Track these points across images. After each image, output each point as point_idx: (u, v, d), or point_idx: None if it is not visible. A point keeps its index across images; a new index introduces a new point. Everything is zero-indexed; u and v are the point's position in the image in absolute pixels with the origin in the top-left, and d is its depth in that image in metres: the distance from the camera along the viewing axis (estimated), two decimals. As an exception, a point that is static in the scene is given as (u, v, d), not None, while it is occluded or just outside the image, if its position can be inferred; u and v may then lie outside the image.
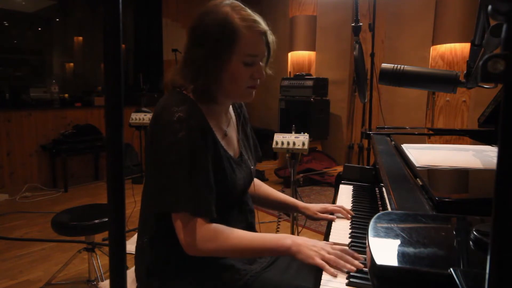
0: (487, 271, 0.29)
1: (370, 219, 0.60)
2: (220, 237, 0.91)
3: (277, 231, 2.56)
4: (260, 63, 1.00)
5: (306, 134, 1.83)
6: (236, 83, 0.98)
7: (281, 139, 1.83)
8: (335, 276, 0.82)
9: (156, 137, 0.93)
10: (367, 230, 0.57)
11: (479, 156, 1.02)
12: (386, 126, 1.80)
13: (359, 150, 4.27)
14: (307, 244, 0.91)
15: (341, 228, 1.10)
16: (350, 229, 1.08)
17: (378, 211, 0.95)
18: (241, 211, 1.10)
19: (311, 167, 4.38)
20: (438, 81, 0.92)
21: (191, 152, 0.90)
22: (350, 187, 1.45)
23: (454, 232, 0.60)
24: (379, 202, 1.22)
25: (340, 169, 2.64)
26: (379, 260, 0.48)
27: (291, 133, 1.86)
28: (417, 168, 0.92)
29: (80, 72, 5.25)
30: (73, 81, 5.14)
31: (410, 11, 4.32)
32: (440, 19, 3.40)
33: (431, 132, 1.79)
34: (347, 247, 0.91)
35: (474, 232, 0.52)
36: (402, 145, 1.21)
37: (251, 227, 1.13)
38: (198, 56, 0.95)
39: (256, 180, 1.30)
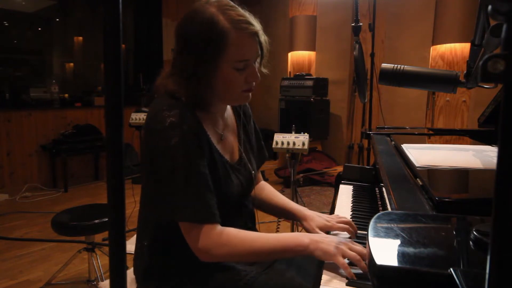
0: (487, 271, 0.29)
1: (370, 219, 0.60)
2: (234, 240, 0.88)
3: (277, 231, 2.56)
4: (255, 63, 0.96)
5: (306, 134, 1.83)
6: (230, 88, 0.94)
7: (281, 139, 1.83)
8: (353, 276, 0.79)
9: (150, 144, 0.91)
10: (367, 230, 0.56)
11: (479, 156, 1.02)
12: (386, 126, 1.80)
13: (359, 150, 4.27)
14: (325, 240, 0.86)
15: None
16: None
17: (378, 211, 0.95)
18: (240, 215, 1.08)
19: (311, 167, 4.38)
20: (438, 81, 0.92)
21: (187, 157, 0.87)
22: (350, 187, 1.45)
23: (454, 232, 0.60)
24: (379, 202, 1.22)
25: (340, 169, 2.64)
26: (379, 260, 0.48)
27: (291, 133, 1.86)
28: (417, 168, 0.92)
29: (80, 72, 5.25)
30: (73, 81, 5.14)
31: (410, 11, 4.32)
32: (440, 19, 3.40)
33: (431, 132, 1.79)
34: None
35: (474, 232, 0.52)
36: (402, 145, 1.21)
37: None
38: (188, 63, 0.91)
39: (262, 183, 1.25)
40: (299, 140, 1.81)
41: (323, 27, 4.98)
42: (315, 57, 5.06)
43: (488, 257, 0.29)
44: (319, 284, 0.79)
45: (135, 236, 1.12)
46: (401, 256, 0.50)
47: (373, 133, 1.58)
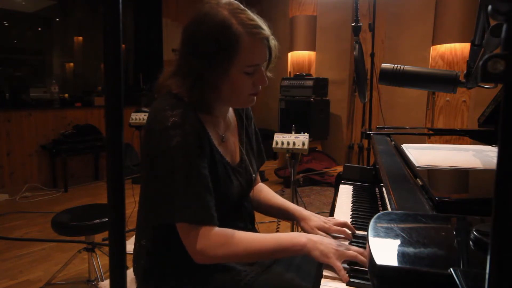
0: (487, 271, 0.29)
1: (370, 219, 0.60)
2: (231, 241, 0.88)
3: (277, 231, 2.56)
4: (263, 67, 0.95)
5: (306, 134, 1.83)
6: (237, 92, 0.94)
7: (281, 139, 1.83)
8: (347, 280, 0.78)
9: (151, 143, 0.90)
10: (367, 230, 0.56)
11: (479, 156, 1.02)
12: (386, 126, 1.80)
13: (359, 150, 4.27)
14: (323, 241, 0.86)
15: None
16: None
17: (378, 211, 0.95)
18: (239, 217, 1.08)
19: (311, 167, 4.38)
20: (438, 81, 0.92)
21: (187, 158, 0.86)
22: (350, 187, 1.45)
23: (454, 232, 0.60)
24: (379, 202, 1.22)
25: (340, 169, 2.64)
26: (379, 260, 0.48)
27: (291, 133, 1.86)
28: (417, 168, 0.92)
29: (80, 72, 5.25)
30: (73, 81, 5.14)
31: (410, 11, 4.32)
32: (440, 19, 3.40)
33: (431, 132, 1.79)
34: (363, 249, 0.86)
35: (474, 232, 0.52)
36: (402, 145, 1.21)
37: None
38: (195, 66, 0.90)
39: (260, 185, 1.25)
40: (299, 140, 1.81)
41: (323, 27, 4.98)
42: (315, 57, 5.06)
43: (488, 257, 0.29)
44: (319, 284, 0.79)
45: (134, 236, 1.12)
46: (401, 256, 0.50)
47: (373, 133, 1.58)
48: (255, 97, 0.98)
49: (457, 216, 0.66)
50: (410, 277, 0.47)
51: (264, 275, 0.99)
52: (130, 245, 1.30)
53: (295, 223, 1.19)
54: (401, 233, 0.55)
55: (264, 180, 4.46)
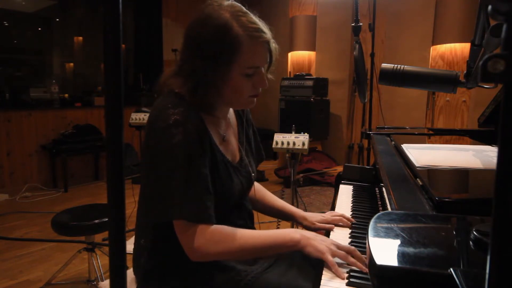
0: (487, 271, 0.29)
1: (370, 219, 0.60)
2: (227, 238, 0.89)
3: (277, 231, 2.55)
4: (263, 69, 0.97)
5: (306, 134, 1.83)
6: (237, 93, 0.95)
7: (281, 139, 1.83)
8: (342, 278, 0.80)
9: (152, 141, 0.90)
10: (367, 230, 0.57)
11: (479, 156, 1.03)
12: (386, 126, 1.80)
13: (359, 150, 4.27)
14: (316, 238, 0.89)
15: (341, 234, 1.09)
16: (350, 229, 1.08)
17: (378, 211, 0.95)
18: (239, 215, 1.08)
19: (311, 167, 4.38)
20: (438, 81, 0.92)
21: (188, 157, 0.87)
22: (350, 187, 1.45)
23: (454, 232, 0.60)
24: (379, 202, 1.22)
25: (340, 169, 2.64)
26: (379, 260, 0.48)
27: (291, 133, 1.86)
28: (417, 168, 0.92)
29: (80, 72, 5.25)
30: (73, 81, 5.14)
31: (410, 11, 4.32)
32: (440, 19, 3.40)
33: (431, 132, 1.79)
34: (355, 248, 0.88)
35: (474, 232, 0.52)
36: (402, 145, 1.21)
37: None
38: (197, 67, 0.91)
39: (261, 187, 1.27)
40: (299, 140, 1.81)
41: (323, 27, 4.98)
42: (315, 57, 5.06)
43: (488, 257, 0.29)
44: (319, 284, 0.79)
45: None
46: (401, 256, 0.50)
47: (373, 133, 1.58)
48: (255, 99, 1.00)
49: (457, 216, 0.66)
50: (410, 277, 0.47)
51: (264, 275, 0.99)
52: (130, 245, 1.30)
53: (295, 223, 1.21)
54: (401, 233, 0.55)
55: (264, 180, 4.46)
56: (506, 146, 0.28)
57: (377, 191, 1.34)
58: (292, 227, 1.98)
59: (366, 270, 0.81)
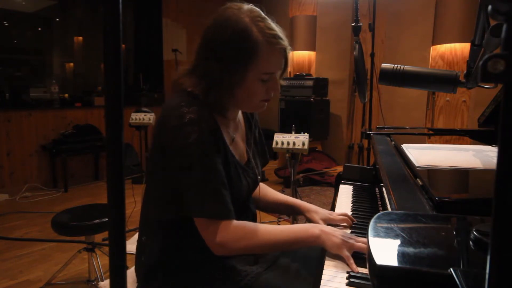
0: (487, 271, 0.29)
1: (370, 219, 0.60)
2: (250, 234, 0.91)
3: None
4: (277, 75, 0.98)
5: (306, 134, 1.83)
6: (250, 97, 0.97)
7: (281, 139, 1.83)
8: (357, 271, 0.82)
9: (166, 139, 0.91)
10: (367, 230, 0.56)
11: (479, 156, 1.02)
12: (386, 126, 1.80)
13: (359, 150, 4.27)
14: (335, 233, 0.91)
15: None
16: (350, 229, 1.08)
17: (378, 211, 0.95)
18: (244, 216, 1.09)
19: (311, 167, 4.38)
20: (438, 81, 0.92)
21: (204, 155, 0.88)
22: (350, 187, 1.45)
23: (454, 232, 0.60)
24: (379, 202, 1.22)
25: (340, 169, 2.64)
26: (379, 260, 0.48)
27: (291, 133, 1.86)
28: (417, 168, 0.92)
29: (80, 72, 5.25)
30: (73, 81, 5.14)
31: (410, 11, 4.32)
32: (440, 19, 3.40)
33: (431, 132, 1.79)
34: None
35: (474, 232, 0.52)
36: (402, 145, 1.21)
37: None
38: (213, 70, 0.92)
39: (262, 185, 1.28)
40: (299, 140, 1.81)
41: (323, 27, 4.98)
42: (315, 57, 5.05)
43: (488, 257, 0.29)
44: (319, 284, 0.79)
45: (135, 236, 1.12)
46: (401, 256, 0.50)
47: (373, 133, 1.58)
48: (266, 103, 1.01)
49: (457, 216, 0.66)
50: (410, 277, 0.47)
51: (264, 275, 0.99)
52: (130, 245, 1.30)
53: (296, 223, 1.21)
54: (401, 233, 0.55)
55: (264, 180, 4.46)
56: (506, 146, 0.28)
57: (377, 191, 1.34)
58: (293, 222, 1.98)
59: None
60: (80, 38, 5.14)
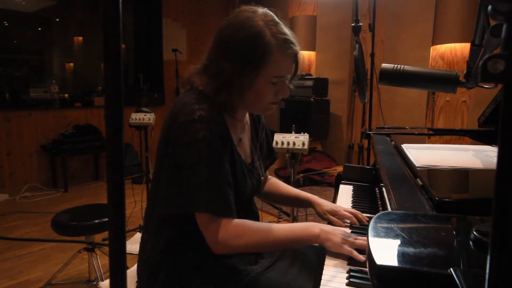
0: (487, 271, 0.29)
1: (370, 219, 0.60)
2: (249, 232, 0.92)
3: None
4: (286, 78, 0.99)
5: (306, 134, 1.83)
6: (259, 99, 0.98)
7: (281, 139, 1.83)
8: (363, 260, 0.83)
9: (175, 135, 0.92)
10: (367, 230, 0.56)
11: (479, 156, 1.02)
12: (386, 126, 1.80)
13: (359, 150, 4.27)
14: (335, 232, 0.92)
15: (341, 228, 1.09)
16: (350, 229, 1.08)
17: (378, 211, 0.95)
18: (247, 217, 1.09)
19: (311, 167, 4.38)
20: (438, 81, 0.92)
21: (212, 152, 0.89)
22: (350, 187, 1.45)
23: (454, 232, 0.60)
24: (379, 202, 1.22)
25: (340, 169, 2.64)
26: (379, 260, 0.48)
27: (291, 133, 1.86)
28: (417, 168, 0.92)
29: (80, 72, 5.25)
30: (73, 81, 5.14)
31: (410, 11, 4.31)
32: (440, 19, 3.41)
33: (431, 132, 1.79)
34: None
35: (474, 232, 0.52)
36: (402, 145, 1.21)
37: None
38: (225, 70, 0.93)
39: (274, 179, 1.35)
40: (299, 140, 1.81)
41: (323, 27, 4.98)
42: (315, 57, 5.05)
43: (488, 257, 0.29)
44: (319, 284, 0.79)
45: (135, 236, 1.12)
46: (401, 256, 0.50)
47: (373, 133, 1.58)
48: (274, 106, 1.02)
49: (457, 216, 0.66)
50: (410, 277, 0.47)
51: (264, 275, 0.99)
52: (130, 245, 1.30)
53: (295, 220, 1.23)
54: (401, 233, 0.55)
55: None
56: (506, 146, 0.28)
57: (377, 191, 1.34)
58: (293, 221, 1.98)
59: None
60: (80, 38, 5.13)
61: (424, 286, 0.47)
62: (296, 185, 2.10)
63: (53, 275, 2.15)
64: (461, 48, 3.32)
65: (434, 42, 3.49)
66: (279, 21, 0.96)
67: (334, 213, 1.14)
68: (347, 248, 0.87)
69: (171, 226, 0.99)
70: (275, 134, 1.87)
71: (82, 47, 5.17)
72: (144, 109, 2.98)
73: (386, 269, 0.47)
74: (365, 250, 0.86)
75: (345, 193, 1.39)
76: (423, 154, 1.08)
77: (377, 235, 0.55)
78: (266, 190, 1.31)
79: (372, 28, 3.28)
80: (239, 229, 0.91)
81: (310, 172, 4.33)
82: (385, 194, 1.03)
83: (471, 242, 0.52)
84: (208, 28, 5.62)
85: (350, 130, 4.99)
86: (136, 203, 2.66)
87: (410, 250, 0.51)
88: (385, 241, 0.54)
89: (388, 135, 1.51)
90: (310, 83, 4.46)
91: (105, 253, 2.28)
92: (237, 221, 0.92)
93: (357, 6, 2.36)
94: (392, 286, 0.48)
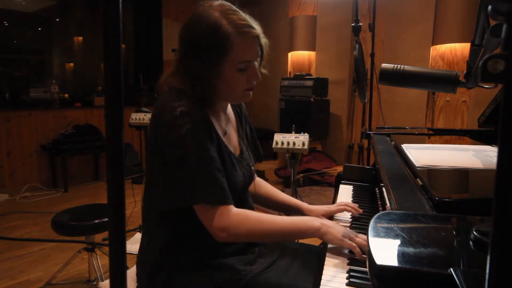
0: (487, 271, 0.29)
1: (370, 219, 0.60)
2: (251, 220, 0.93)
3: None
4: (256, 63, 1.00)
5: (306, 134, 1.83)
6: (232, 88, 0.99)
7: (281, 139, 1.83)
8: (363, 259, 0.84)
9: (161, 134, 0.93)
10: (367, 230, 0.56)
11: (479, 156, 1.02)
12: (386, 126, 1.80)
13: (359, 150, 4.27)
14: (335, 226, 0.94)
15: (343, 223, 1.09)
16: (350, 229, 1.08)
17: (378, 211, 0.95)
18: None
19: (311, 167, 4.38)
20: (438, 81, 0.92)
21: (198, 144, 0.90)
22: (350, 187, 1.45)
23: (454, 232, 0.60)
24: (379, 202, 1.22)
25: (340, 169, 2.63)
26: (379, 260, 0.48)
27: (291, 133, 1.86)
28: (417, 168, 0.92)
29: (80, 72, 5.25)
30: (73, 81, 5.14)
31: (410, 11, 4.31)
32: (440, 19, 3.41)
33: (431, 132, 1.79)
34: None
35: (474, 232, 0.52)
36: (402, 145, 1.21)
37: None
38: (192, 65, 0.95)
39: (259, 180, 1.31)
40: (299, 140, 1.81)
41: (323, 27, 4.98)
42: (315, 57, 5.05)
43: (488, 257, 0.29)
44: (319, 284, 0.79)
45: (135, 236, 1.12)
46: (401, 256, 0.50)
47: (373, 133, 1.58)
48: (250, 92, 1.03)
49: (457, 216, 0.66)
50: (410, 277, 0.47)
51: (264, 275, 0.99)
52: (130, 245, 1.30)
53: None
54: (401, 233, 0.55)
55: (264, 180, 4.45)
56: (506, 146, 0.28)
57: (377, 191, 1.34)
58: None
59: None
60: (80, 38, 5.13)
61: (424, 286, 0.47)
62: (296, 185, 2.10)
63: (53, 275, 2.15)
64: (461, 48, 3.32)
65: (434, 42, 3.49)
66: (236, 9, 0.98)
67: (328, 214, 1.17)
68: (347, 242, 0.89)
69: (169, 226, 0.99)
70: (275, 134, 1.87)
71: (82, 47, 5.17)
72: (144, 109, 2.98)
73: (386, 269, 0.47)
74: (365, 249, 0.87)
75: (345, 193, 1.39)
76: (423, 154, 1.08)
77: (377, 235, 0.55)
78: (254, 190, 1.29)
79: (372, 28, 3.28)
80: (241, 217, 0.93)
81: (310, 172, 4.33)
82: (385, 194, 1.02)
83: (471, 242, 0.52)
84: (208, 28, 5.61)
85: (350, 130, 4.99)
86: (136, 203, 2.66)
87: (410, 250, 0.51)
88: (385, 241, 0.54)
89: (388, 135, 1.51)
90: (310, 83, 4.46)
91: (105, 253, 2.28)
92: (237, 210, 0.94)
93: (357, 6, 2.36)
94: (392, 286, 0.48)
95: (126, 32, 5.32)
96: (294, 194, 1.97)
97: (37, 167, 4.21)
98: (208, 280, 0.97)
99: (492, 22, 0.62)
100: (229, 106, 1.16)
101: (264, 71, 1.06)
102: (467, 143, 1.38)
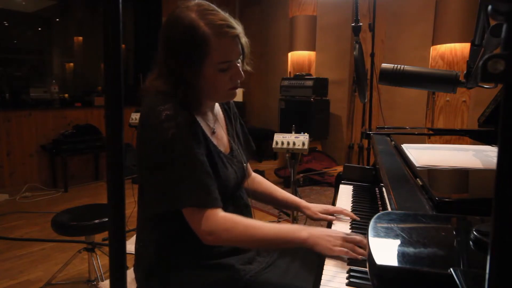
0: (487, 271, 0.29)
1: (370, 219, 0.60)
2: (238, 227, 0.92)
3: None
4: (238, 62, 0.99)
5: (306, 134, 1.83)
6: (215, 88, 0.98)
7: (281, 139, 1.83)
8: (359, 259, 0.84)
9: (147, 139, 0.93)
10: (367, 230, 0.56)
11: (479, 156, 1.02)
12: (386, 126, 1.80)
13: (359, 150, 4.27)
14: (323, 235, 0.90)
15: (341, 228, 1.10)
16: (350, 229, 1.08)
17: (378, 211, 0.95)
18: (236, 206, 1.10)
19: (311, 167, 4.38)
20: (438, 81, 0.92)
21: (185, 147, 0.90)
22: (350, 187, 1.45)
23: (454, 232, 0.60)
24: (379, 202, 1.22)
25: (340, 169, 2.63)
26: (379, 260, 0.48)
27: (291, 133, 1.86)
28: (417, 168, 0.92)
29: (80, 72, 5.25)
30: (73, 81, 5.14)
31: (410, 11, 4.32)
32: (440, 19, 3.41)
33: (431, 132, 1.79)
34: (363, 237, 0.90)
35: (474, 232, 0.52)
36: (402, 145, 1.21)
37: None
38: (173, 68, 0.95)
39: (258, 176, 1.31)
40: (299, 140, 1.81)
41: (323, 27, 4.98)
42: (315, 57, 5.05)
43: (488, 257, 0.29)
44: (319, 284, 0.79)
45: (135, 236, 1.12)
46: (401, 256, 0.50)
47: (373, 133, 1.58)
48: (235, 91, 1.03)
49: (457, 216, 0.66)
50: (410, 277, 0.47)
51: (263, 274, 0.99)
52: (130, 245, 1.30)
53: (296, 223, 1.22)
54: (401, 233, 0.55)
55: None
56: (506, 146, 0.28)
57: (377, 191, 1.34)
58: (293, 222, 1.98)
59: None
60: (80, 38, 5.13)
61: (424, 286, 0.47)
62: (296, 185, 2.10)
63: (53, 275, 2.15)
64: (461, 48, 3.32)
65: (434, 42, 3.49)
66: (215, 8, 0.96)
67: (325, 211, 1.16)
68: (337, 249, 0.87)
69: (162, 228, 0.99)
70: (275, 134, 1.87)
71: (82, 47, 5.17)
72: (144, 109, 2.99)
73: (386, 269, 0.47)
74: (361, 245, 0.87)
75: (345, 193, 1.39)
76: (423, 154, 1.08)
77: (377, 235, 0.55)
78: (252, 186, 1.29)
79: (372, 28, 3.28)
80: (229, 223, 0.92)
81: (310, 172, 4.33)
82: (385, 194, 1.02)
83: (471, 242, 0.52)
84: (208, 28, 5.62)
85: (350, 130, 4.99)
86: (136, 203, 2.65)
87: (410, 250, 0.51)
88: (385, 241, 0.54)
89: (388, 135, 1.51)
90: (310, 83, 4.46)
91: (105, 253, 2.28)
92: (226, 214, 0.93)
93: (357, 6, 2.36)
94: (392, 286, 0.48)
95: (126, 32, 5.32)
96: (294, 194, 1.97)
97: (37, 167, 4.21)
98: (207, 280, 0.97)
99: (492, 22, 0.62)
100: (217, 104, 1.15)
101: (248, 68, 1.05)
102: (467, 143, 1.38)
